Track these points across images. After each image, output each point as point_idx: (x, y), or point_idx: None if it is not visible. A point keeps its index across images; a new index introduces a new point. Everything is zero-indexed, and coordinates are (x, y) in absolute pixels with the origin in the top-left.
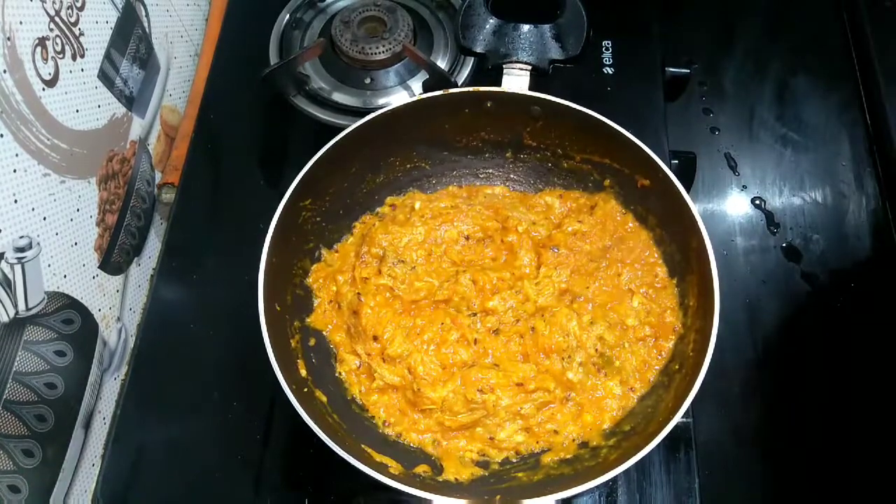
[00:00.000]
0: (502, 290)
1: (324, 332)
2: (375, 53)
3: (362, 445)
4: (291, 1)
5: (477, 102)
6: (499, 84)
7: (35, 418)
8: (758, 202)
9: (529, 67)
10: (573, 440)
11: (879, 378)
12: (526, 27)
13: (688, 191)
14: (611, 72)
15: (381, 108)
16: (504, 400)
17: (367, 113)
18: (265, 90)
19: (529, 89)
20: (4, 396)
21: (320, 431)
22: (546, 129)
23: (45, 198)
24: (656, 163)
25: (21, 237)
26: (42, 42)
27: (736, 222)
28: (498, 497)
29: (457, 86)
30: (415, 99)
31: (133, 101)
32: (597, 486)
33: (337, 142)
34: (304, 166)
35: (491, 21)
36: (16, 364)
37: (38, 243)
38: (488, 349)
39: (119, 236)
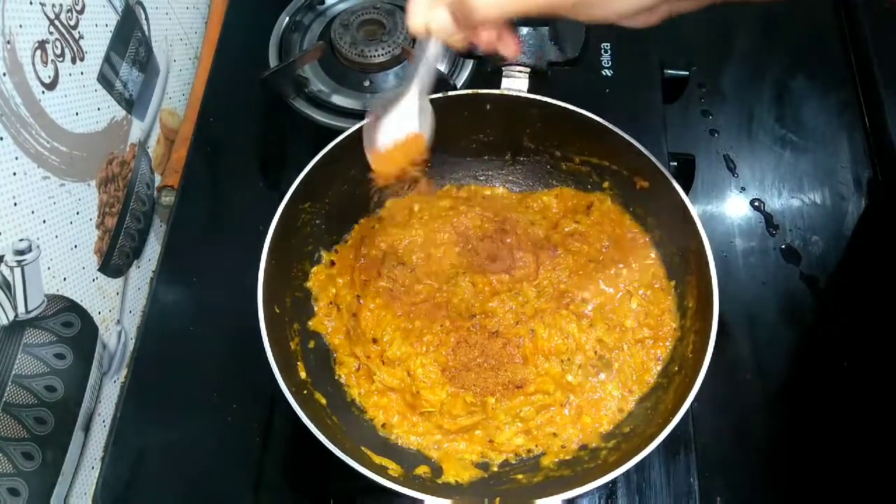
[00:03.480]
0: (501, 292)
1: (323, 335)
2: (374, 56)
3: (362, 447)
4: (291, 4)
5: (476, 105)
6: (498, 86)
7: (35, 421)
8: (757, 204)
9: (528, 70)
10: (573, 442)
11: (879, 379)
12: (525, 29)
13: (687, 192)
14: (610, 74)
15: None
16: (503, 402)
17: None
18: (264, 93)
19: (528, 91)
20: (4, 399)
21: (320, 433)
22: (545, 132)
23: (44, 201)
24: (655, 165)
25: (21, 240)
26: (42, 45)
27: (735, 224)
28: (497, 500)
29: (456, 88)
30: None
31: (133, 104)
32: (596, 488)
33: (336, 144)
34: (303, 168)
35: None
36: (15, 367)
37: (38, 246)
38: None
39: (119, 239)
